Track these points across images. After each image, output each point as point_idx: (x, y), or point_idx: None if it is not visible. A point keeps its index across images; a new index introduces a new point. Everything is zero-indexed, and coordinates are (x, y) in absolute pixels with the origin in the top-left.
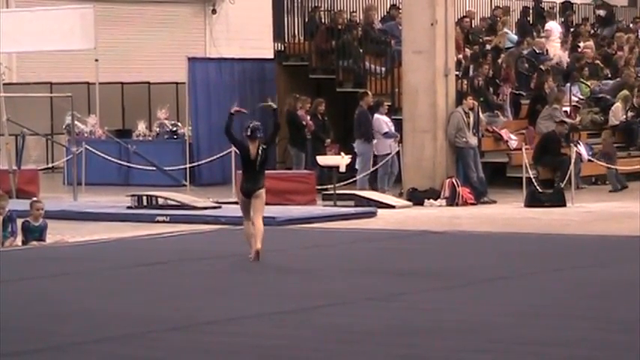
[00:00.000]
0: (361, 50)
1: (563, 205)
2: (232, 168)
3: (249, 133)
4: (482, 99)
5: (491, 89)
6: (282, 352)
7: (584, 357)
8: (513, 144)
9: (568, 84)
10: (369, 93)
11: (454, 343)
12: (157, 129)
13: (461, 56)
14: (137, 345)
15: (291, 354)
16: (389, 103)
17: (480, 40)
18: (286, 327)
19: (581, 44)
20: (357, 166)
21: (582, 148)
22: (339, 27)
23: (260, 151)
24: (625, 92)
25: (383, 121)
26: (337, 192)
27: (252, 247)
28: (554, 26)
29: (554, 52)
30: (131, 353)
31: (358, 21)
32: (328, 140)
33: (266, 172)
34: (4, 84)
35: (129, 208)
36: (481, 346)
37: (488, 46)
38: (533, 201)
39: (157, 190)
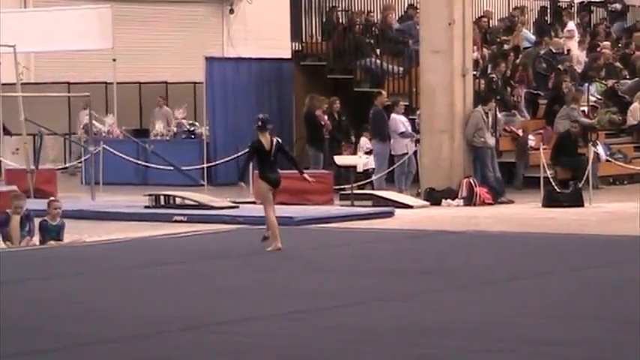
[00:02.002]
0: (378, 50)
1: (581, 205)
2: (249, 168)
3: (259, 124)
4: (499, 98)
5: (508, 89)
6: (295, 353)
7: (597, 357)
8: (531, 144)
9: (586, 84)
10: (383, 92)
11: (468, 343)
12: (175, 129)
13: (478, 56)
14: (149, 345)
15: (303, 354)
16: (406, 103)
17: (498, 39)
18: (299, 327)
19: (599, 44)
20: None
21: (600, 148)
22: (356, 27)
23: (274, 143)
24: None
25: (399, 121)
26: (355, 192)
27: (277, 239)
28: (574, 26)
29: (574, 51)
30: (143, 353)
31: (375, 21)
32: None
33: (284, 172)
34: (22, 84)
35: (146, 207)
36: (494, 347)
37: (506, 46)
38: (551, 201)
39: (174, 189)
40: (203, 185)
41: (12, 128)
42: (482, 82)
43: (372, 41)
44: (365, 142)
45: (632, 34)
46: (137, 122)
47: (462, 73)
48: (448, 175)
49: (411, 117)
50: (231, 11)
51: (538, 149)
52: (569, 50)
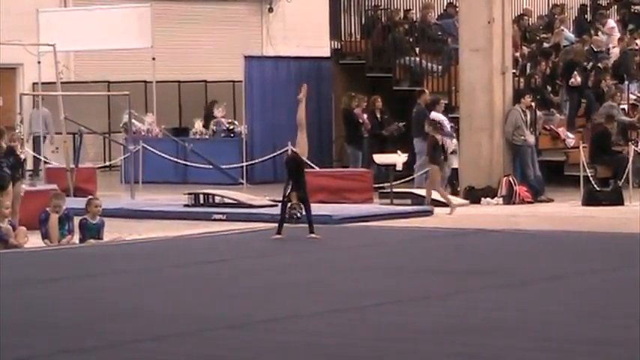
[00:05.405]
0: (417, 48)
1: (621, 203)
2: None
3: None
4: (538, 97)
5: (548, 87)
6: (338, 351)
7: None
8: (570, 142)
9: (626, 82)
10: (426, 91)
11: (509, 342)
12: (214, 127)
13: (518, 54)
14: (193, 343)
15: (346, 352)
16: (446, 102)
17: (537, 38)
18: (342, 325)
19: (639, 41)
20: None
21: None
22: (398, 25)
23: None
24: None
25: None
26: (394, 190)
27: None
28: (614, 24)
29: (612, 49)
30: (187, 352)
31: (415, 19)
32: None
33: (322, 170)
34: (61, 82)
35: (186, 206)
36: (536, 345)
37: (545, 44)
38: (591, 199)
39: (213, 188)
40: (242, 184)
41: (52, 127)
42: (522, 80)
43: (411, 40)
44: None
45: None
46: (176, 121)
47: (502, 72)
48: (488, 173)
49: (450, 115)
50: (271, 10)
51: (578, 147)
52: (608, 49)
